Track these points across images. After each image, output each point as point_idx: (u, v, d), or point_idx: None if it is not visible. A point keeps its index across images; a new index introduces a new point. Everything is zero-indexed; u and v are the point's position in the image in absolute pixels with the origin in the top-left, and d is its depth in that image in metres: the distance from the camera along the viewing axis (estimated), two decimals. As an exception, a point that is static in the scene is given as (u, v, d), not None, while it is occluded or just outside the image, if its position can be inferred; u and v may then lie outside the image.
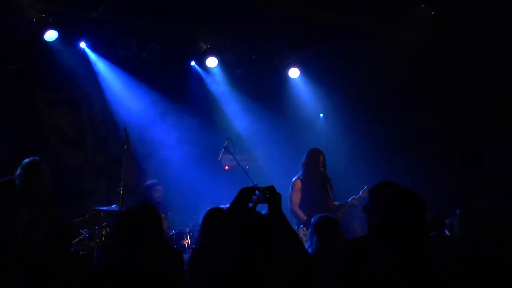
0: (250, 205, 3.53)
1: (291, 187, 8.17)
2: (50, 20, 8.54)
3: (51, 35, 8.66)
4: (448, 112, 10.50)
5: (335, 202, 8.16)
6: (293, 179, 8.25)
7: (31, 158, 6.80)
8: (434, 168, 10.49)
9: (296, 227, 7.74)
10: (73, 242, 6.96)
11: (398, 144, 10.70)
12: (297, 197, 8.09)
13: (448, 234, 6.33)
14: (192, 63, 10.65)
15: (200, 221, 4.88)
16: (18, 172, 6.71)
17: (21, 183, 6.68)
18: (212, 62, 10.21)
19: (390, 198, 3.18)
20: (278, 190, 3.59)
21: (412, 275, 3.00)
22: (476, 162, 10.46)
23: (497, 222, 5.07)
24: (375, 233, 3.22)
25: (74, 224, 7.21)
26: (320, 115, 12.10)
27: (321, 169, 8.13)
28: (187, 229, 8.31)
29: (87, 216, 7.55)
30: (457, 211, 5.23)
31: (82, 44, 9.32)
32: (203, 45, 10.08)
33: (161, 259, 4.02)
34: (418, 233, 3.10)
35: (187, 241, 8.10)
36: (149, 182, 8.97)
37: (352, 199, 8.14)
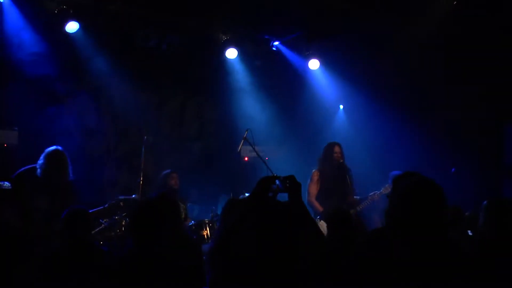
0: (270, 194, 3.52)
1: (309, 179, 8.20)
2: (71, 11, 8.59)
3: (72, 27, 8.70)
4: (469, 104, 10.40)
5: (355, 197, 8.15)
6: (312, 170, 8.27)
7: (53, 147, 6.87)
8: (454, 160, 10.40)
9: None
10: (92, 232, 7.03)
11: (418, 136, 10.62)
12: (314, 189, 8.13)
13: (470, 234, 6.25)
14: (212, 54, 10.64)
15: (219, 212, 4.90)
16: (40, 161, 6.77)
17: (42, 172, 6.74)
18: (231, 53, 10.19)
19: (406, 188, 3.15)
20: (298, 180, 3.57)
21: (429, 266, 2.97)
22: (496, 155, 10.37)
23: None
24: (392, 224, 3.19)
25: (93, 214, 7.26)
26: (340, 107, 12.06)
27: (341, 161, 8.12)
28: (206, 220, 8.33)
29: (106, 205, 7.59)
30: (484, 202, 5.17)
31: (102, 36, 9.35)
32: (223, 36, 10.07)
33: (179, 250, 4.03)
34: (435, 224, 3.07)
35: (206, 232, 8.12)
36: (164, 171, 9.05)
37: (373, 194, 8.12)
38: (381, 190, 8.10)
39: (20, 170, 6.83)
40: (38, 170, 6.75)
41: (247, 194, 3.83)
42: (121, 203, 7.60)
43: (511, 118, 10.30)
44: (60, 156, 6.86)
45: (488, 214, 4.97)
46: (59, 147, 6.92)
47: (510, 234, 4.67)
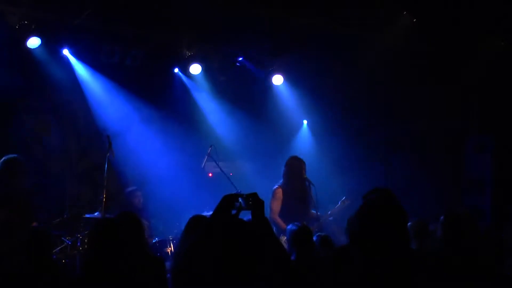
0: (233, 212, 3.52)
1: (271, 196, 8.12)
2: (33, 27, 8.48)
3: (33, 42, 8.60)
4: (432, 117, 10.58)
5: (317, 213, 8.15)
6: (274, 187, 8.19)
7: (9, 155, 6.70)
8: (417, 173, 10.55)
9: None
10: (54, 250, 6.92)
11: (382, 150, 10.75)
12: (277, 206, 8.03)
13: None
14: (176, 70, 10.62)
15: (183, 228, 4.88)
16: None
17: None
18: (195, 69, 10.17)
19: (366, 206, 3.19)
20: (261, 197, 3.57)
21: (392, 283, 3.00)
22: (458, 167, 10.55)
23: (478, 228, 5.13)
24: (354, 241, 3.23)
25: (54, 225, 7.09)
26: (303, 122, 12.12)
27: (304, 176, 8.13)
28: (170, 236, 8.28)
29: (65, 216, 7.41)
30: (441, 217, 5.27)
31: (65, 51, 9.26)
32: (187, 52, 10.05)
33: (142, 268, 4.01)
34: (396, 240, 3.11)
35: (170, 249, 8.07)
36: (128, 189, 8.96)
37: (334, 208, 8.24)
38: (339, 204, 8.25)
39: None
40: None
41: (211, 212, 3.83)
42: (82, 214, 7.43)
43: (471, 132, 10.51)
44: (16, 163, 6.68)
45: (446, 227, 5.08)
46: (17, 155, 6.77)
47: (466, 247, 4.77)
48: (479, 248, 4.99)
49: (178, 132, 10.87)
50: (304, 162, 8.25)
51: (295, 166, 8.19)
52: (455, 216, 5.15)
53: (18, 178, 6.69)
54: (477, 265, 4.49)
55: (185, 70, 10.39)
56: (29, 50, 8.67)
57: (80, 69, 9.62)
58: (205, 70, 10.39)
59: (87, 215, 7.68)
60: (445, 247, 4.98)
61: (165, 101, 10.86)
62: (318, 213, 8.11)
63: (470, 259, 4.58)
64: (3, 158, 6.67)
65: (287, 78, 10.91)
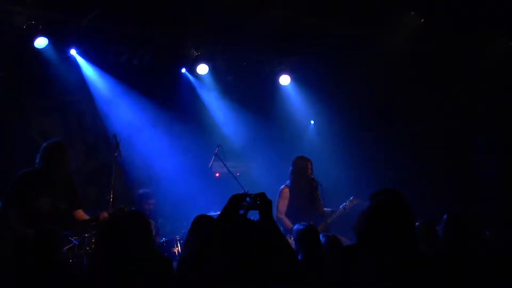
0: (241, 212, 3.52)
1: (278, 195, 8.16)
2: (40, 27, 8.50)
3: (41, 42, 8.61)
4: (438, 116, 10.54)
5: (326, 208, 8.17)
6: (281, 187, 8.24)
7: (50, 140, 6.61)
8: (424, 172, 10.52)
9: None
10: (62, 250, 6.90)
11: (388, 150, 10.72)
12: (283, 205, 8.09)
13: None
14: (183, 70, 10.62)
15: (190, 229, 4.89)
16: (40, 154, 6.49)
17: (42, 164, 6.43)
18: (203, 69, 10.17)
19: (375, 207, 3.18)
20: (269, 197, 3.57)
21: (399, 283, 2.99)
22: (466, 165, 10.51)
23: (482, 228, 5.13)
24: (362, 241, 3.22)
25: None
26: (311, 122, 12.10)
27: (311, 176, 8.13)
28: (177, 236, 8.26)
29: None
30: (444, 216, 5.27)
31: (73, 51, 9.27)
32: (194, 52, 10.05)
33: (149, 268, 4.00)
34: (405, 241, 3.10)
35: (177, 249, 8.05)
36: (142, 191, 8.91)
37: (342, 207, 8.21)
38: (346, 203, 8.21)
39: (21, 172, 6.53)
40: (37, 165, 6.45)
41: (218, 212, 3.83)
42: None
43: (478, 132, 10.47)
44: (61, 147, 6.59)
45: (447, 227, 5.07)
46: (60, 139, 6.73)
47: (466, 246, 4.76)
48: (485, 248, 4.98)
49: (185, 132, 10.87)
50: (310, 162, 8.26)
51: (301, 166, 8.22)
52: (457, 216, 5.15)
53: (64, 163, 6.56)
54: (480, 266, 4.47)
55: (192, 70, 10.39)
56: (37, 50, 8.68)
57: (87, 69, 9.63)
58: (212, 70, 10.38)
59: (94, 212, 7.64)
60: (447, 246, 4.97)
61: (173, 101, 10.86)
62: (330, 209, 8.13)
63: (473, 259, 4.57)
64: (45, 143, 6.54)
65: (294, 78, 10.89)
